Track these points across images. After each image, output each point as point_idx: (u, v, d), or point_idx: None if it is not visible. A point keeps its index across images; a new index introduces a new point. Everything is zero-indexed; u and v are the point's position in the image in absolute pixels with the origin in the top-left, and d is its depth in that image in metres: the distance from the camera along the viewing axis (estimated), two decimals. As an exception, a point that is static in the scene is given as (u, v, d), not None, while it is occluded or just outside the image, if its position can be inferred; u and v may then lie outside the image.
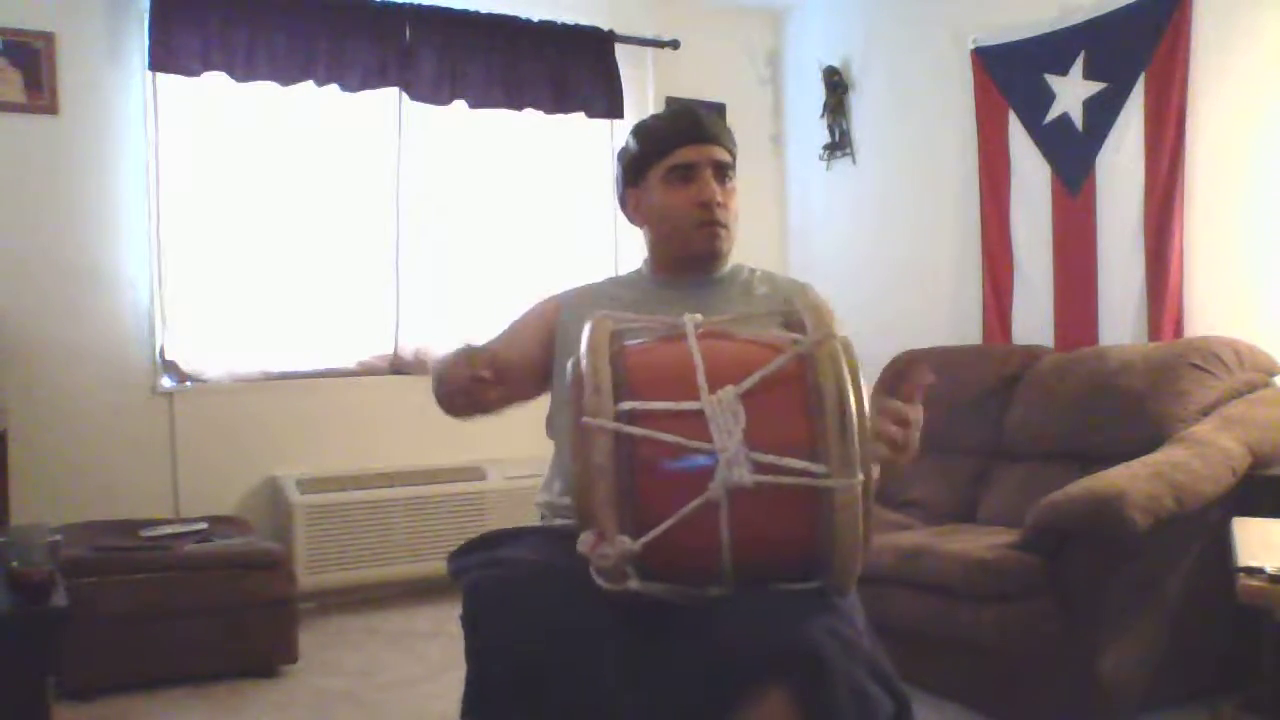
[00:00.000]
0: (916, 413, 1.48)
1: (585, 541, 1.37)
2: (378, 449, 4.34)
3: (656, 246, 1.92)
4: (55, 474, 3.80)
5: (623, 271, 2.04)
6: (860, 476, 1.30)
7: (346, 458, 4.28)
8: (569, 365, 1.48)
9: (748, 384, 1.35)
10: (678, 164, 1.83)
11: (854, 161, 4.91)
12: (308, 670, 3.38)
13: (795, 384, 1.36)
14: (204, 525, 3.66)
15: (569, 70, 4.67)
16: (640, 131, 1.90)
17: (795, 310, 1.48)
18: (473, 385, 1.59)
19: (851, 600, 1.48)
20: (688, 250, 1.86)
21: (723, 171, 1.84)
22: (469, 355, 1.60)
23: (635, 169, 1.89)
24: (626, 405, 1.35)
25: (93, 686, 3.12)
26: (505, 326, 1.95)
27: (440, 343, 4.39)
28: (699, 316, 1.49)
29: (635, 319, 1.56)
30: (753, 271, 1.94)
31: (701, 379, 1.36)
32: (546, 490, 1.89)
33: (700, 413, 1.34)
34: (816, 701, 1.31)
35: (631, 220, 1.94)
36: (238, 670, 3.30)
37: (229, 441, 4.13)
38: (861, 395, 1.34)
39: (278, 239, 4.22)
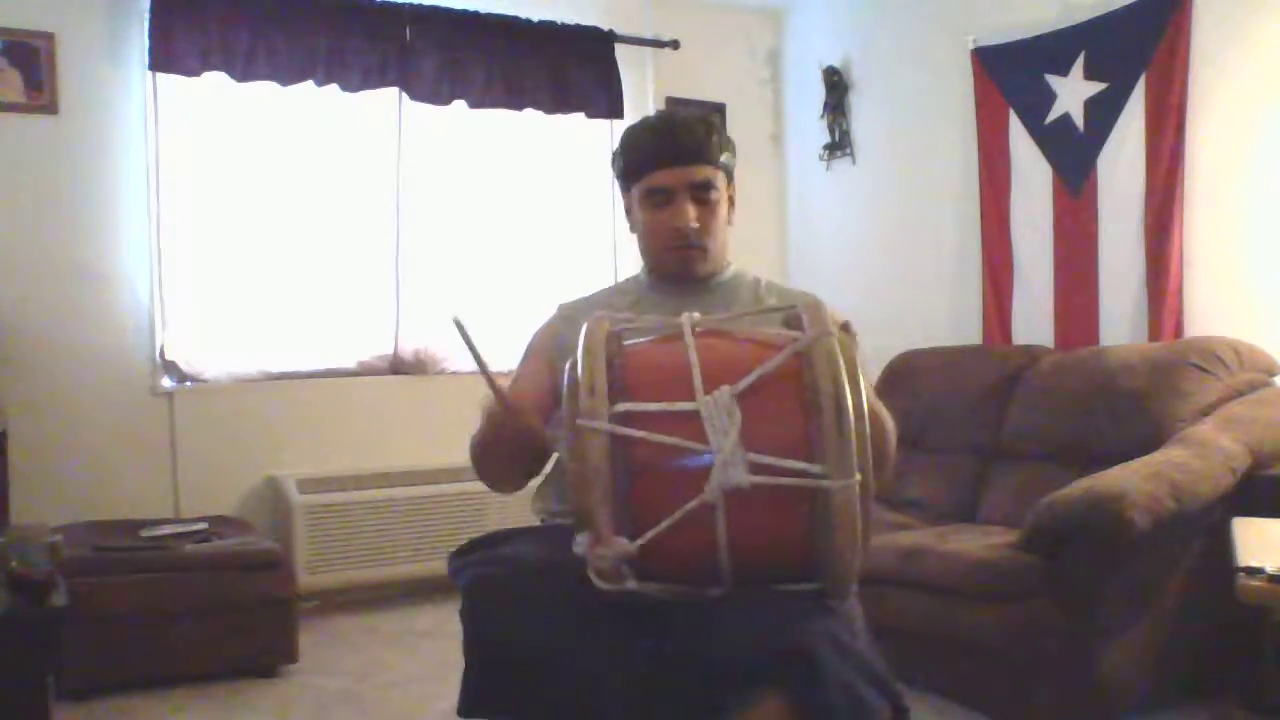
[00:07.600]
0: None
1: (582, 543, 1.36)
2: (378, 449, 4.34)
3: (644, 258, 1.93)
4: (55, 474, 3.80)
5: (621, 271, 2.03)
6: (858, 476, 1.30)
7: (346, 458, 4.28)
8: (566, 367, 1.47)
9: (743, 384, 1.34)
10: (653, 187, 1.80)
11: (854, 162, 4.90)
12: (308, 670, 3.37)
13: (792, 383, 1.36)
14: (204, 525, 3.66)
15: (569, 70, 4.67)
16: (625, 143, 1.88)
17: (795, 309, 1.47)
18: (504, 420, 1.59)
19: (850, 602, 1.48)
20: (665, 269, 1.87)
21: (703, 191, 1.80)
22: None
23: (623, 178, 1.89)
24: (622, 407, 1.35)
25: (93, 686, 3.11)
26: (515, 372, 1.92)
27: (440, 342, 4.39)
28: (697, 315, 1.49)
29: (633, 318, 1.55)
30: (758, 281, 1.92)
31: (697, 379, 1.35)
32: (542, 498, 1.88)
33: (696, 413, 1.33)
34: (812, 706, 1.31)
35: (630, 223, 1.94)
36: (238, 670, 3.29)
37: (229, 441, 4.13)
38: (860, 393, 1.33)
39: (278, 239, 4.22)
